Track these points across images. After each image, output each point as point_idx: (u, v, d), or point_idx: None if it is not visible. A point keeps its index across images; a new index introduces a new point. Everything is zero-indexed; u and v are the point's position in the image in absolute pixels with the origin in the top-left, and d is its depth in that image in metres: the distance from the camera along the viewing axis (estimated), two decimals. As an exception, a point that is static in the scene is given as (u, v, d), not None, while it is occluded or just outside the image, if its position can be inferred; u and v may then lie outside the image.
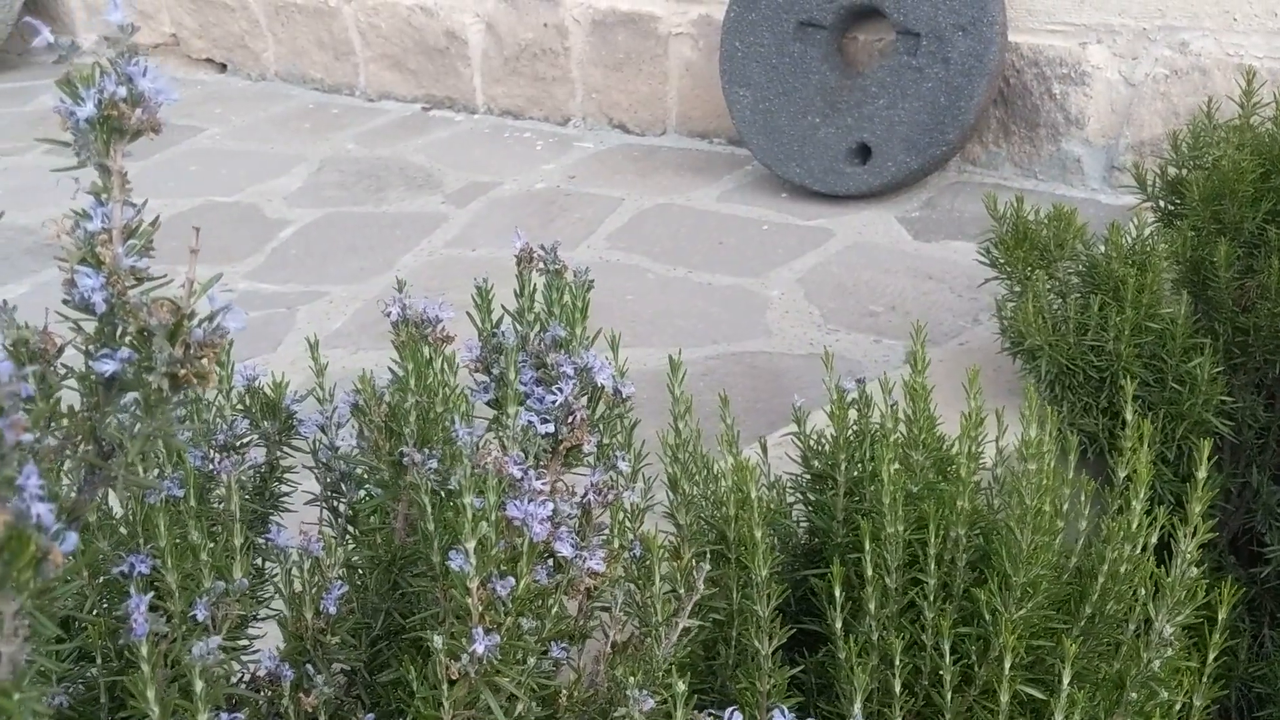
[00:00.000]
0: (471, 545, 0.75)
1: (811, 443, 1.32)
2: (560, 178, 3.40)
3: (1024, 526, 1.05)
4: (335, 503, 1.18)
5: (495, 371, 0.93)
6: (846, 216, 2.95)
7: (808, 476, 1.33)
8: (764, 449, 1.40)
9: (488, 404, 0.95)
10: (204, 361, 0.63)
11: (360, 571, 0.92)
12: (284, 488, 1.16)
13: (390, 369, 0.93)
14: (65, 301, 0.67)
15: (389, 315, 0.88)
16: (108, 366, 0.62)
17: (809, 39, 3.04)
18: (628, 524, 0.95)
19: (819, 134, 3.01)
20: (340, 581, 0.85)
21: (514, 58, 3.76)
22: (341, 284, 2.80)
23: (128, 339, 0.64)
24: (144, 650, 0.66)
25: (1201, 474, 1.02)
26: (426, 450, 0.89)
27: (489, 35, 3.78)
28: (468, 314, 0.96)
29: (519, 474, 0.79)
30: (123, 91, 0.63)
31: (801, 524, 1.31)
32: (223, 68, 4.44)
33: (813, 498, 1.31)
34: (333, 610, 0.85)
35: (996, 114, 3.02)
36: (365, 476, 1.05)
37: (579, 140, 3.69)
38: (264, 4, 4.17)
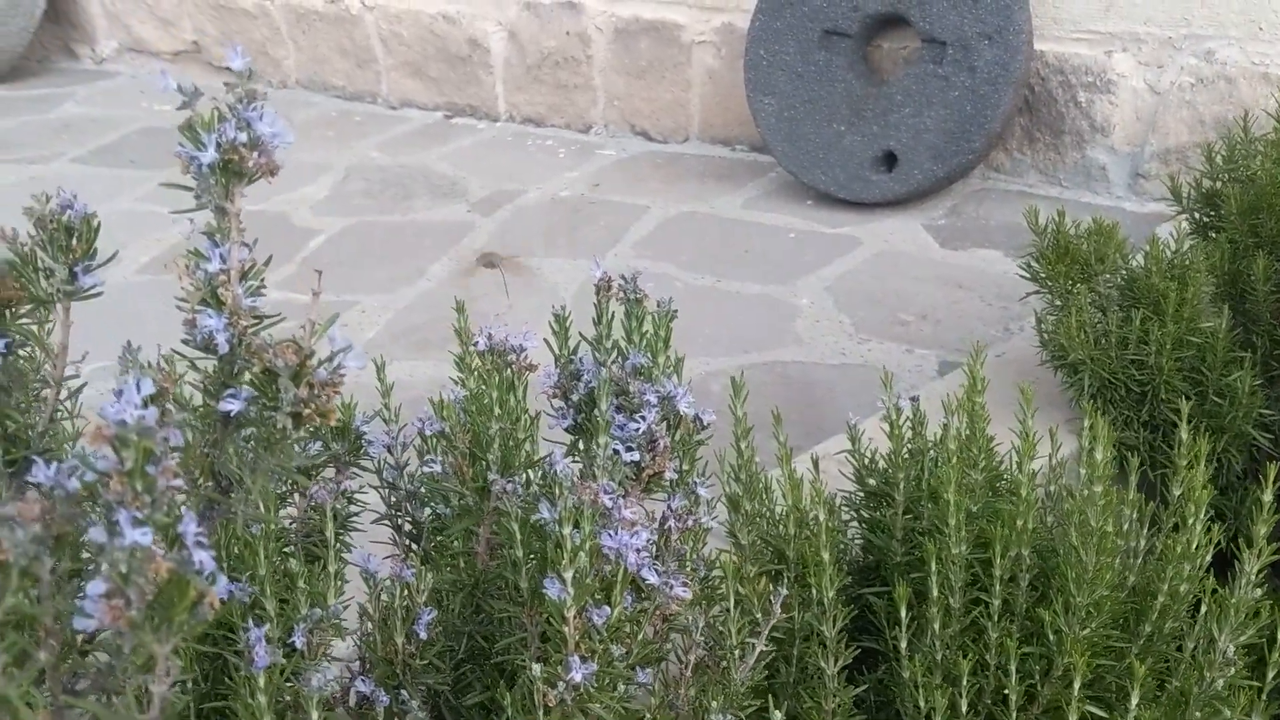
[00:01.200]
0: (569, 575, 0.76)
1: (866, 460, 1.33)
2: (584, 185, 3.41)
3: (1088, 548, 1.06)
4: (400, 521, 1.20)
5: (574, 398, 0.95)
6: (872, 224, 2.96)
7: (861, 494, 1.34)
8: (815, 465, 1.41)
9: (566, 430, 0.96)
10: (326, 400, 0.65)
11: (442, 595, 0.93)
12: (352, 508, 1.18)
13: (452, 382, 0.94)
14: (185, 341, 0.69)
15: (476, 346, 0.90)
16: (233, 405, 0.64)
17: (834, 47, 3.05)
18: (696, 546, 0.96)
19: (844, 141, 3.02)
20: (430, 607, 0.87)
21: (536, 65, 3.78)
22: (373, 293, 2.82)
23: (250, 378, 0.65)
24: (261, 681, 0.68)
25: (1267, 496, 1.03)
26: (511, 477, 0.90)
27: (511, 43, 3.80)
28: (545, 341, 0.97)
29: (610, 504, 0.80)
30: (243, 136, 0.65)
31: (856, 541, 1.32)
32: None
33: (867, 515, 1.32)
34: (423, 635, 0.87)
35: (1021, 121, 3.03)
36: (446, 500, 1.07)
37: (601, 147, 3.71)
38: (285, 12, 4.19)
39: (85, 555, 0.60)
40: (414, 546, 1.18)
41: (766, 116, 3.14)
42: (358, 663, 0.89)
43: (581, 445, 0.96)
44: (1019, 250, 2.75)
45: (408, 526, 1.20)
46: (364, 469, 1.20)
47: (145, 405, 0.52)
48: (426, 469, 0.95)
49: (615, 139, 3.75)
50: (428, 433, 0.94)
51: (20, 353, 0.72)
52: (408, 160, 3.64)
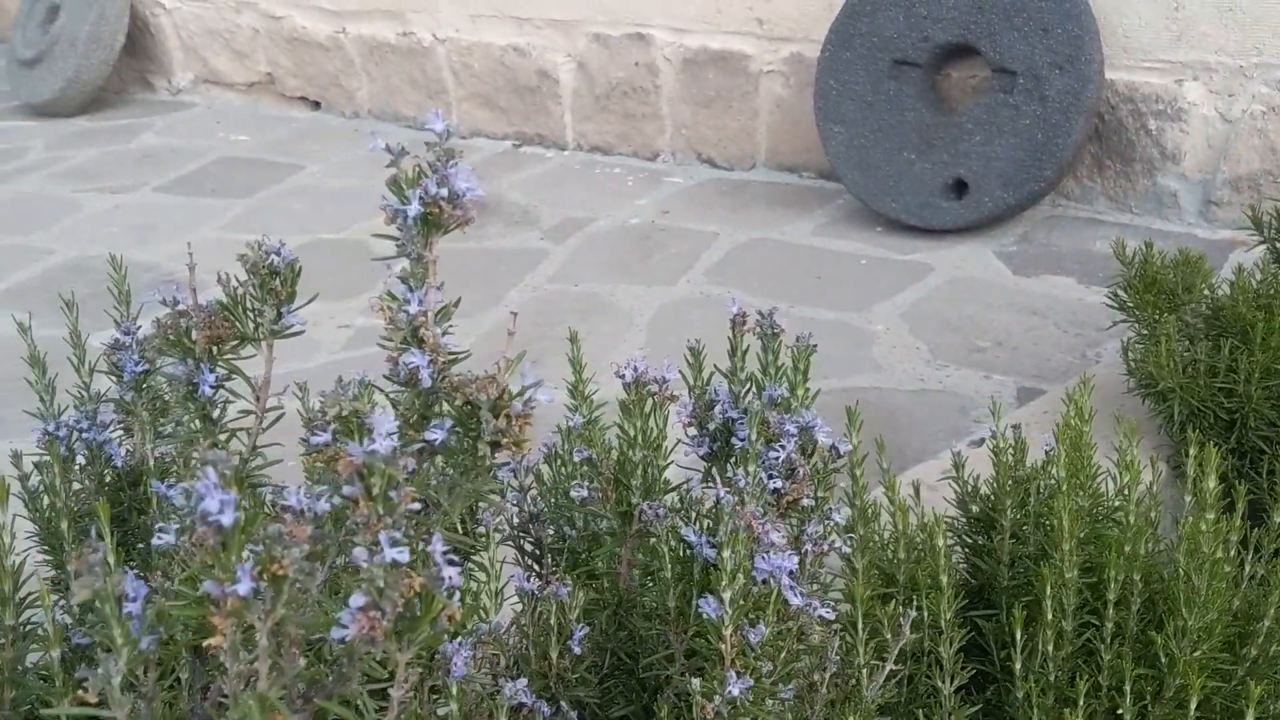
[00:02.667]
0: (728, 596, 0.81)
1: (969, 487, 1.37)
2: (653, 213, 3.48)
3: (1201, 573, 1.10)
4: (522, 541, 1.26)
5: (710, 427, 1.00)
6: (943, 251, 3.00)
7: (964, 520, 1.38)
8: (917, 492, 1.45)
9: (702, 457, 1.01)
10: (520, 430, 0.70)
11: (588, 612, 0.99)
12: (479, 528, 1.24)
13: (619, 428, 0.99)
14: (387, 377, 0.75)
15: (623, 378, 0.95)
16: (437, 435, 0.69)
17: (903, 77, 3.10)
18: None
19: (914, 169, 3.06)
20: (582, 624, 0.92)
21: (604, 95, 3.85)
22: (454, 319, 2.89)
23: (449, 410, 0.71)
24: (454, 689, 0.73)
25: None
26: (655, 502, 0.95)
27: (580, 74, 3.88)
28: (680, 373, 1.02)
29: (760, 529, 0.85)
30: (444, 192, 0.71)
31: (960, 565, 1.36)
32: (316, 105, 4.58)
33: (970, 540, 1.36)
34: (577, 650, 0.92)
35: (1091, 149, 3.06)
36: (572, 521, 1.12)
37: (668, 175, 3.77)
38: (359, 44, 4.30)
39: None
40: (536, 565, 1.24)
41: (836, 145, 3.19)
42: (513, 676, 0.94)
43: (715, 471, 1.01)
44: (1091, 277, 2.78)
45: (528, 546, 1.26)
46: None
47: (389, 437, 0.58)
48: (574, 494, 1.00)
49: (682, 166, 3.81)
50: (576, 459, 1.00)
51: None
52: (480, 189, 3.72)
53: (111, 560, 0.76)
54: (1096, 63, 2.84)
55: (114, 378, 1.21)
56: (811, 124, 3.32)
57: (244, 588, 0.52)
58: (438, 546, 0.56)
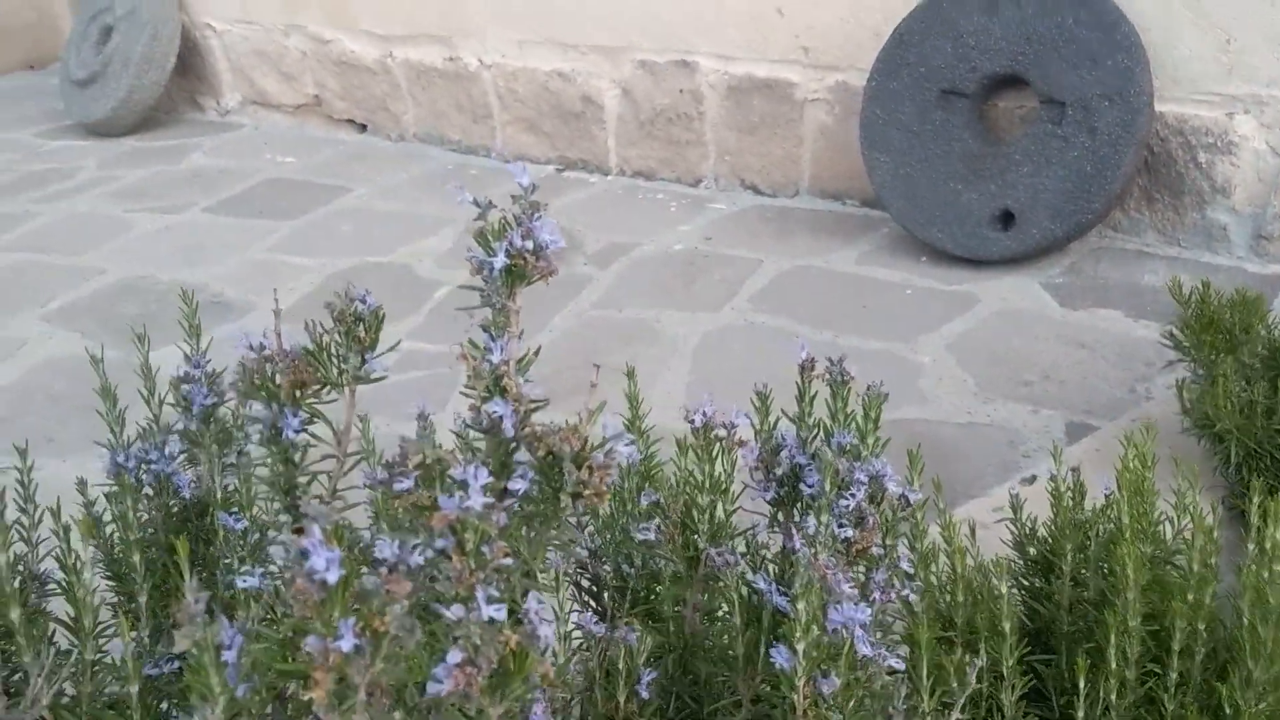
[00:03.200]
0: (801, 647, 0.81)
1: (1027, 529, 1.36)
2: (697, 239, 3.49)
3: (1266, 624, 1.09)
4: (580, 578, 1.26)
5: (777, 472, 1.00)
6: (989, 281, 2.99)
7: (1021, 561, 1.37)
8: (973, 532, 1.45)
9: (768, 502, 1.02)
10: (601, 482, 0.71)
11: (654, 656, 0.99)
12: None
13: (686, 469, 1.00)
14: (468, 425, 0.76)
15: (692, 422, 0.96)
16: (520, 485, 0.70)
17: (951, 107, 3.10)
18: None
19: (961, 199, 3.06)
20: (650, 668, 0.93)
21: (649, 121, 3.87)
22: (498, 344, 2.90)
23: (530, 460, 0.72)
24: (530, 738, 0.74)
25: None
26: (721, 547, 0.96)
27: (625, 100, 3.90)
28: (746, 417, 1.03)
29: (832, 579, 0.85)
30: (529, 244, 0.72)
31: (1018, 608, 1.35)
32: (362, 128, 4.63)
33: (1028, 583, 1.36)
34: (645, 695, 0.92)
35: (1140, 181, 3.04)
36: (630, 559, 1.13)
37: (711, 201, 3.78)
38: (406, 69, 4.35)
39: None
40: (594, 601, 1.25)
41: (881, 174, 3.19)
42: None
43: (783, 517, 1.02)
44: (1140, 310, 2.77)
45: (585, 582, 1.27)
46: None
47: (485, 493, 0.59)
48: (640, 536, 1.00)
49: (725, 192, 3.82)
50: (643, 504, 1.00)
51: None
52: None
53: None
54: (1147, 95, 2.82)
55: (180, 409, 1.23)
56: (856, 152, 3.33)
57: (347, 644, 0.53)
58: (533, 605, 0.57)
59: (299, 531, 0.84)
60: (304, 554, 0.54)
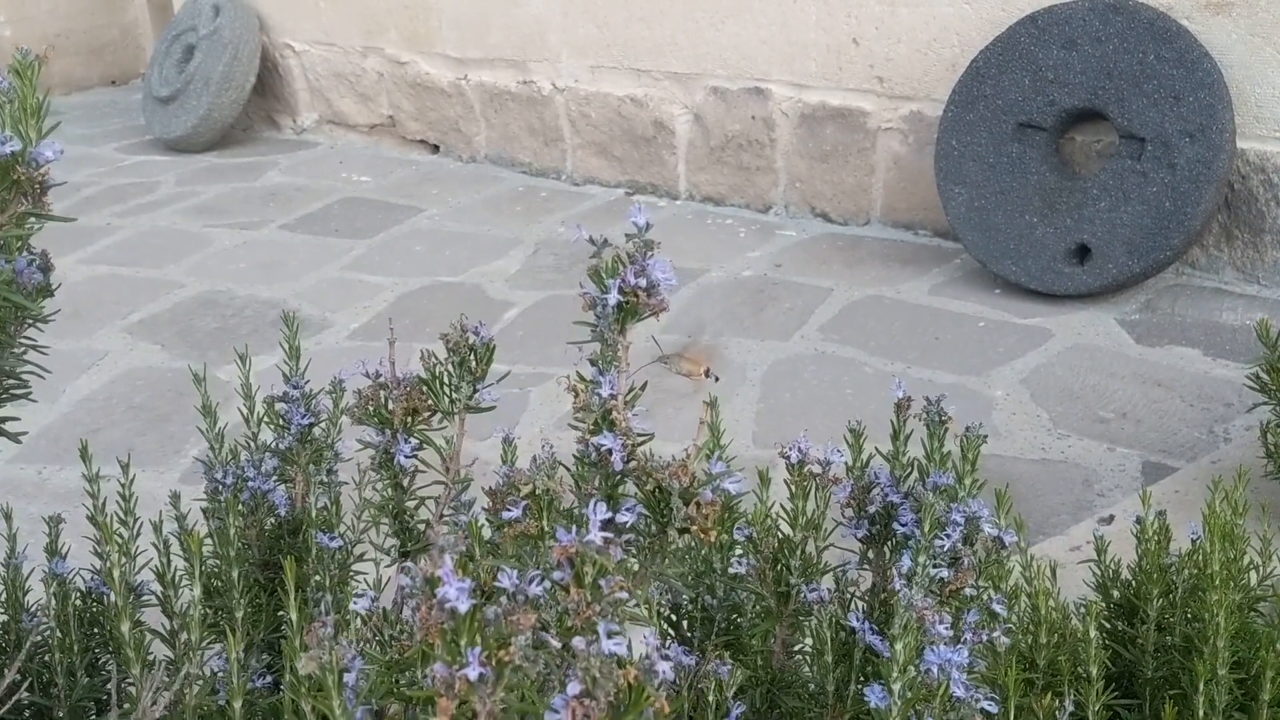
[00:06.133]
0: (898, 687, 0.82)
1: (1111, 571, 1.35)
2: (766, 265, 3.49)
3: (1365, 679, 1.07)
4: (661, 606, 1.27)
5: (869, 510, 1.01)
6: (1063, 316, 2.96)
7: (1104, 604, 1.36)
8: (1053, 573, 1.44)
9: (859, 539, 1.02)
10: (707, 518, 0.72)
11: (740, 689, 0.99)
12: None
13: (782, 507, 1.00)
14: (576, 457, 0.77)
15: (788, 458, 0.97)
16: (628, 518, 0.72)
17: (1028, 140, 3.08)
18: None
19: (1036, 233, 3.03)
20: (740, 702, 0.93)
21: (719, 147, 3.89)
22: (566, 366, 2.93)
23: (637, 494, 0.73)
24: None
25: None
26: (814, 583, 0.96)
27: (696, 126, 3.92)
28: (838, 453, 1.03)
29: (929, 620, 0.86)
30: (643, 282, 0.73)
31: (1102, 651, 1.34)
32: (435, 149, 4.70)
33: (1110, 625, 1.34)
34: (734, 729, 0.93)
35: (1220, 218, 3.00)
36: (711, 590, 1.13)
37: (781, 228, 3.79)
38: (479, 91, 4.41)
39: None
40: (673, 630, 1.25)
41: (956, 205, 3.18)
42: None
43: (871, 554, 1.02)
44: (1218, 349, 2.73)
45: (665, 610, 1.27)
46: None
47: (603, 527, 0.60)
48: (732, 569, 1.01)
49: (795, 220, 3.83)
50: (738, 538, 1.01)
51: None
52: (594, 236, 3.78)
53: (294, 616, 0.79)
54: (1229, 132, 2.79)
55: (276, 428, 1.26)
56: (929, 182, 3.32)
57: (473, 673, 0.55)
58: (652, 641, 0.58)
59: (406, 555, 0.86)
60: (432, 582, 0.56)
